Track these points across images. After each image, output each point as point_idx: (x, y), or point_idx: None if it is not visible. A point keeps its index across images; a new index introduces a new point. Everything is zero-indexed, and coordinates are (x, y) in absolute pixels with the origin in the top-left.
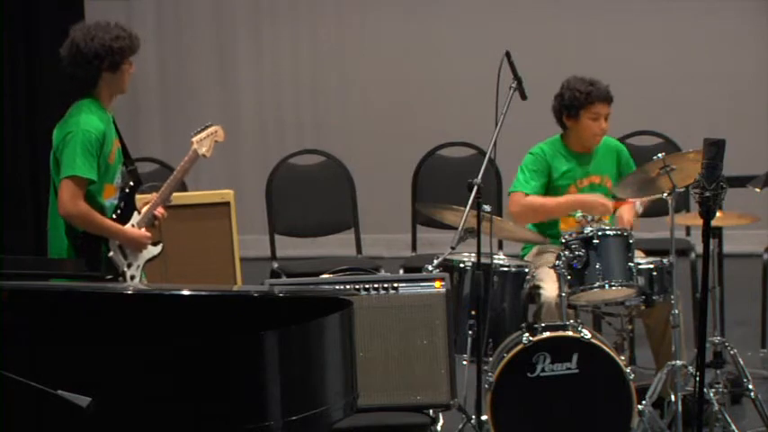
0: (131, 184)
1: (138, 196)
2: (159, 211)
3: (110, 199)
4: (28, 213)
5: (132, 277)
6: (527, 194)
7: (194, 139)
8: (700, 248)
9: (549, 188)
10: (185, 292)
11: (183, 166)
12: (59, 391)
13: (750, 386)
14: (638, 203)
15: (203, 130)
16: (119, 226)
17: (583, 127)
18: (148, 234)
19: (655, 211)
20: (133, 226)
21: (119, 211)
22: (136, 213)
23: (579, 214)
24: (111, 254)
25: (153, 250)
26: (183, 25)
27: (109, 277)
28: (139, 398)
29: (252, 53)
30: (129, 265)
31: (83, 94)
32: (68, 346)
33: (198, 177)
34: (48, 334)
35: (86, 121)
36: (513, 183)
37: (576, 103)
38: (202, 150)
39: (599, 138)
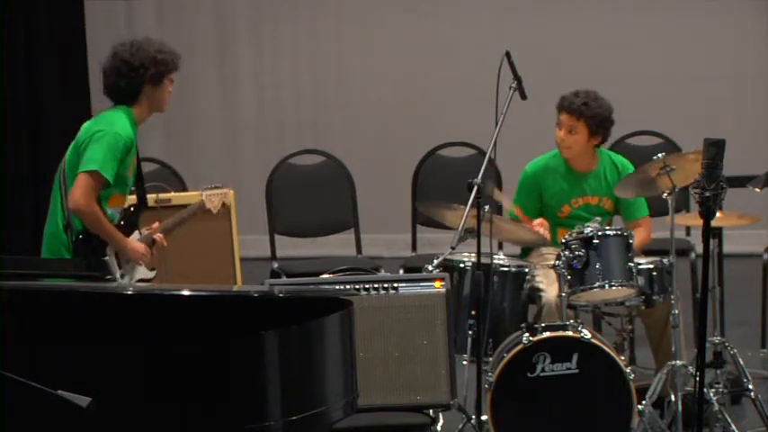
0: (136, 204)
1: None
2: (159, 236)
3: (113, 208)
4: (28, 213)
5: None
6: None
7: (204, 194)
8: (700, 248)
9: (543, 206)
10: (185, 292)
11: (188, 212)
12: (59, 391)
13: (750, 386)
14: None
15: (215, 188)
16: (120, 234)
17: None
18: (148, 250)
19: (655, 211)
20: None
21: (120, 224)
22: (137, 233)
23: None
24: (106, 257)
25: (147, 273)
26: (183, 25)
27: (108, 277)
28: (139, 398)
29: (252, 53)
30: (122, 276)
31: (122, 104)
32: (68, 346)
33: (198, 177)
34: (48, 334)
35: (120, 124)
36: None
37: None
38: (209, 205)
39: (564, 150)
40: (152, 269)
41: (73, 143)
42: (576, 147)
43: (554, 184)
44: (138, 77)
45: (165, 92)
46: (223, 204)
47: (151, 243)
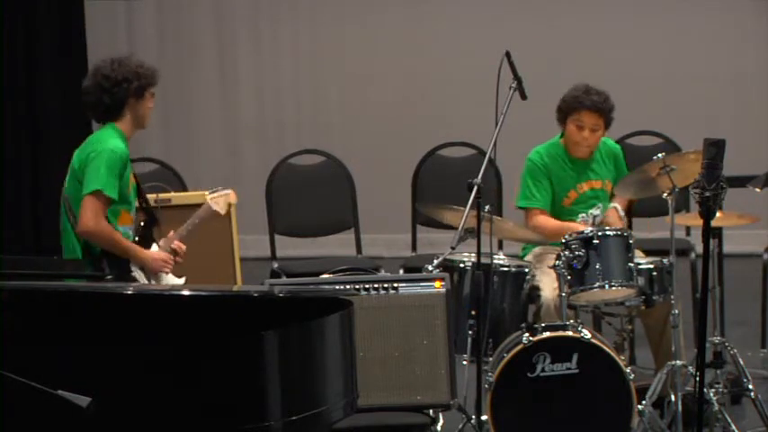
0: (146, 220)
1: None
2: (177, 244)
3: (124, 226)
4: (28, 213)
5: None
6: (543, 211)
7: (209, 198)
8: (700, 248)
9: (552, 193)
10: (185, 292)
11: (200, 217)
12: (59, 391)
13: (750, 386)
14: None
15: (218, 191)
16: (137, 247)
17: (567, 134)
18: (170, 257)
19: (655, 211)
20: None
21: (136, 241)
22: (154, 245)
23: (579, 219)
24: (133, 273)
25: (176, 280)
26: (183, 25)
27: (109, 277)
28: (139, 398)
29: (252, 53)
30: None
31: (106, 121)
32: (68, 346)
33: (198, 177)
34: (48, 334)
35: (111, 141)
36: (521, 195)
37: (564, 107)
38: (216, 208)
39: (583, 148)
40: (180, 276)
41: (69, 174)
42: (596, 143)
43: (560, 170)
44: (121, 92)
45: (146, 106)
46: (229, 205)
47: (172, 252)
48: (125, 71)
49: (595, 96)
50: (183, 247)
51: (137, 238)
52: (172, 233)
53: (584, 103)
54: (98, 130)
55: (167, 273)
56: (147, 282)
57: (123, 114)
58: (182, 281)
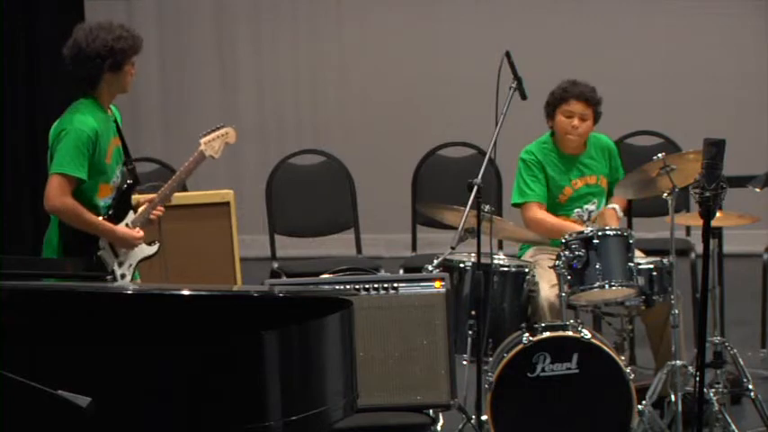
0: (128, 182)
1: (138, 196)
2: (155, 214)
3: (105, 198)
4: (27, 214)
5: (123, 276)
6: (540, 204)
7: (203, 140)
8: (700, 248)
9: (547, 188)
10: (185, 292)
11: (188, 166)
12: (59, 391)
13: (750, 386)
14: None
15: (214, 131)
16: (107, 224)
17: (557, 125)
18: (140, 234)
19: (655, 211)
20: (127, 225)
21: (111, 211)
22: (131, 212)
23: (574, 214)
24: (100, 252)
25: (147, 249)
26: (183, 25)
27: (109, 277)
28: (139, 398)
29: (252, 53)
30: (121, 264)
31: (83, 93)
32: (68, 346)
33: (198, 177)
34: (48, 334)
35: (80, 119)
36: (516, 192)
37: (552, 100)
38: (210, 152)
39: (573, 138)
40: (151, 243)
41: (48, 149)
42: (585, 133)
43: (553, 166)
44: (95, 67)
45: (126, 77)
46: (226, 144)
47: (146, 223)
48: (99, 46)
49: (583, 87)
50: (162, 211)
51: (110, 212)
52: (146, 204)
53: (572, 92)
54: (75, 103)
55: (137, 248)
56: (114, 258)
57: (99, 87)
58: (154, 248)
